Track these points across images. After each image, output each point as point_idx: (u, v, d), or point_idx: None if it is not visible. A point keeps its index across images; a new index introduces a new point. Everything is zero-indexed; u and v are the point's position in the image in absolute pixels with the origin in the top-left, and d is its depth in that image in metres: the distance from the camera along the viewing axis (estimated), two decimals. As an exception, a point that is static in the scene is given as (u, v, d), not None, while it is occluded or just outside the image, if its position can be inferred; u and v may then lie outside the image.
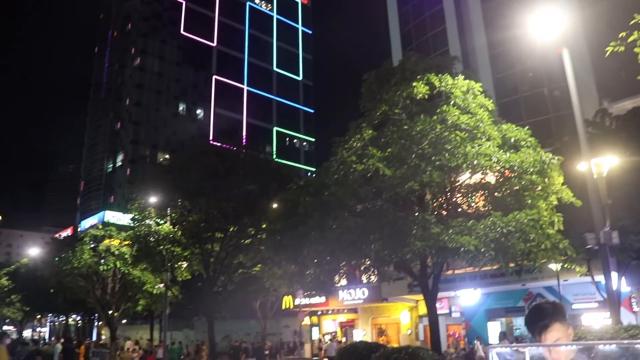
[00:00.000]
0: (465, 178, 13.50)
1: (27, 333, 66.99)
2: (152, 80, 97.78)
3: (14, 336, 50.74)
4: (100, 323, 61.05)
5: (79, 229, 71.13)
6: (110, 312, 30.05)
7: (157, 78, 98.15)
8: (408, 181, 11.85)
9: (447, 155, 12.20)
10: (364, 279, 23.75)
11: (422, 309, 30.82)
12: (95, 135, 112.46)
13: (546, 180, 12.53)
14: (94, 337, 61.01)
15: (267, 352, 36.79)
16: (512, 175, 12.61)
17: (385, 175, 11.95)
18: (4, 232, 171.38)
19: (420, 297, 28.45)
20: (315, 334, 39.90)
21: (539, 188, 12.36)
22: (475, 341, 23.88)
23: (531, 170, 12.27)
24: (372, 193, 12.42)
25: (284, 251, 13.20)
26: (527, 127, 13.82)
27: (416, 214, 12.27)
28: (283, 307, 39.95)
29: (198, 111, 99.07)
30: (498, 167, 12.54)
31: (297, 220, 12.80)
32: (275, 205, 14.08)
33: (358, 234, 11.69)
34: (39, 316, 64.25)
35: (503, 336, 20.04)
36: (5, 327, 57.79)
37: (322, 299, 34.58)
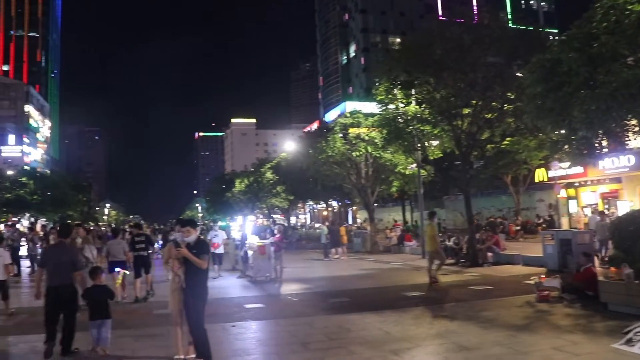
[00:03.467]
0: None
1: (292, 220, 74.45)
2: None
3: (284, 222, 56.86)
4: (354, 207, 65.51)
5: (324, 122, 75.20)
6: (366, 197, 31.56)
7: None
8: None
9: None
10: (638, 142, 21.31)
11: None
12: (326, 30, 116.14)
13: None
14: (350, 221, 65.90)
15: (518, 228, 36.07)
16: None
17: (673, 11, 9.98)
18: (260, 133, 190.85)
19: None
20: (573, 207, 37.74)
21: None
22: None
23: None
24: (655, 36, 10.53)
25: (549, 115, 12.12)
26: None
27: None
28: (536, 180, 38.33)
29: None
30: None
31: (560, 80, 11.55)
32: (531, 68, 12.89)
33: (639, 87, 10.15)
34: (300, 204, 70.97)
35: None
36: (274, 215, 65.06)
37: (580, 169, 32.13)
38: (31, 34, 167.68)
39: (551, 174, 33.05)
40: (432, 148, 23.46)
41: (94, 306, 8.30)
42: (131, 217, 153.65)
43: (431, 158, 24.14)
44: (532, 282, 13.21)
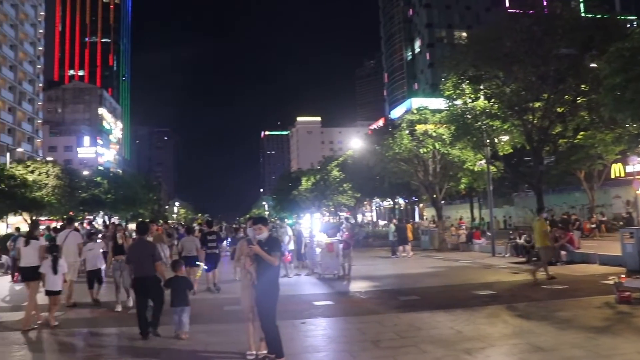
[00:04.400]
0: None
1: (358, 217, 74.13)
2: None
3: (352, 220, 56.78)
4: (421, 205, 64.74)
5: (389, 119, 74.67)
6: (434, 194, 31.08)
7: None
8: None
9: None
10: None
11: None
12: (390, 27, 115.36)
13: None
14: (417, 218, 65.20)
15: (594, 226, 34.65)
16: None
17: None
18: (325, 131, 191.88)
19: None
20: (655, 204, 35.96)
21: None
22: None
23: None
24: None
25: (629, 107, 11.57)
26: None
27: None
28: (612, 176, 36.78)
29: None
30: None
31: (641, 70, 11.03)
32: (609, 58, 12.31)
33: None
34: (366, 202, 70.66)
35: None
36: (340, 213, 65.08)
37: (663, 164, 30.59)
38: (104, 40, 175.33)
39: (629, 169, 31.66)
40: (502, 144, 22.89)
41: (175, 294, 9.23)
42: (199, 215, 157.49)
43: (501, 154, 23.55)
44: (610, 282, 12.61)
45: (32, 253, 10.79)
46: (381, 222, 72.08)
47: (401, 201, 63.27)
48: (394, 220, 30.54)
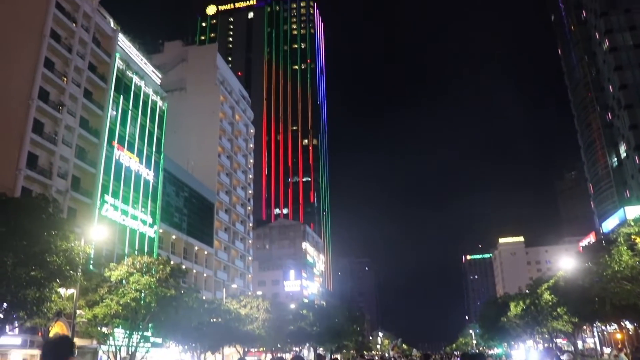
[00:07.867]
0: None
1: (578, 344, 66.63)
2: (629, 55, 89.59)
3: (570, 348, 50.96)
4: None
5: (601, 233, 68.47)
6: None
7: (635, 50, 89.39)
8: None
9: None
10: None
11: None
12: (588, 135, 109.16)
13: None
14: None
15: None
16: None
17: None
18: (530, 251, 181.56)
19: None
20: None
21: None
22: None
23: None
24: None
25: None
26: None
27: None
28: None
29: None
30: None
31: None
32: None
33: None
34: (585, 326, 63.38)
35: None
36: (558, 340, 58.96)
37: None
38: (305, 179, 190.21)
39: None
40: None
41: None
42: (395, 342, 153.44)
43: None
44: None
45: None
46: (606, 350, 63.81)
47: (629, 325, 55.65)
48: (624, 350, 26.45)
